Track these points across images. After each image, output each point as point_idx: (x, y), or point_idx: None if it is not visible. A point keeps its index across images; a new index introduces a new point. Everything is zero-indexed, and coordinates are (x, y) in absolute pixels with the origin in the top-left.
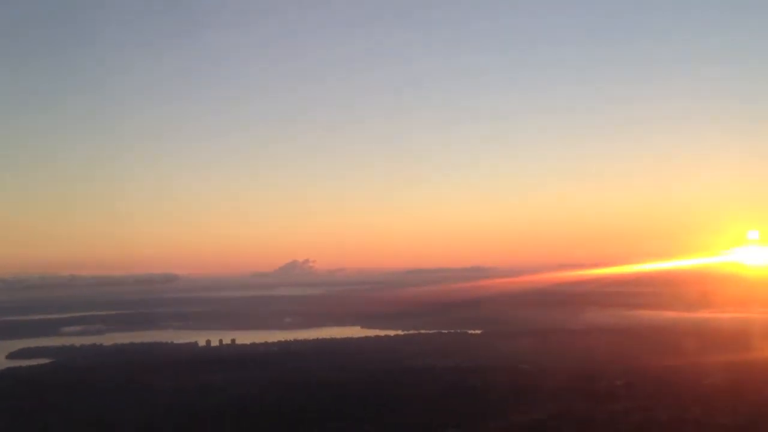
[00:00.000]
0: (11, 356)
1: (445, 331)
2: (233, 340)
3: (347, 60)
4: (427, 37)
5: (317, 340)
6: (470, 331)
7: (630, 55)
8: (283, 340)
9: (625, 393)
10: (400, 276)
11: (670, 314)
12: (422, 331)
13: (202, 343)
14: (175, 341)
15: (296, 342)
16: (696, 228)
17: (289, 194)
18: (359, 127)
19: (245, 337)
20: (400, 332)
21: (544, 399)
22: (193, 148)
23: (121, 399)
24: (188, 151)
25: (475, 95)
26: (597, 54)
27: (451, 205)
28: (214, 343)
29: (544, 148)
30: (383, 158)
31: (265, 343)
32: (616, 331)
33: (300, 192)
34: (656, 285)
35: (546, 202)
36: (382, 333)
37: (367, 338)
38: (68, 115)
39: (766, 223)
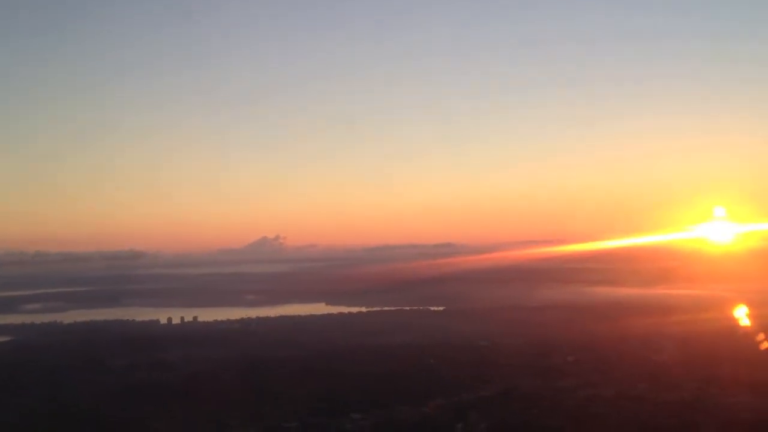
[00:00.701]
0: None
1: (408, 308)
2: (195, 318)
3: (318, 35)
4: (396, 15)
5: (279, 317)
6: (432, 308)
7: (597, 32)
8: (245, 317)
9: (575, 369)
10: (371, 252)
11: (628, 291)
12: (385, 309)
13: (163, 320)
14: (137, 319)
15: (258, 319)
16: (662, 204)
17: (260, 170)
18: (330, 104)
19: (208, 315)
20: (363, 309)
21: (496, 376)
22: (163, 123)
23: (74, 377)
24: (158, 126)
25: (442, 73)
26: (565, 31)
27: (423, 182)
28: (176, 320)
29: (514, 125)
30: (355, 135)
31: (227, 321)
32: (574, 307)
33: (271, 168)
34: (620, 261)
35: (516, 178)
36: (345, 310)
37: (329, 315)
38: (33, 91)
39: (732, 199)
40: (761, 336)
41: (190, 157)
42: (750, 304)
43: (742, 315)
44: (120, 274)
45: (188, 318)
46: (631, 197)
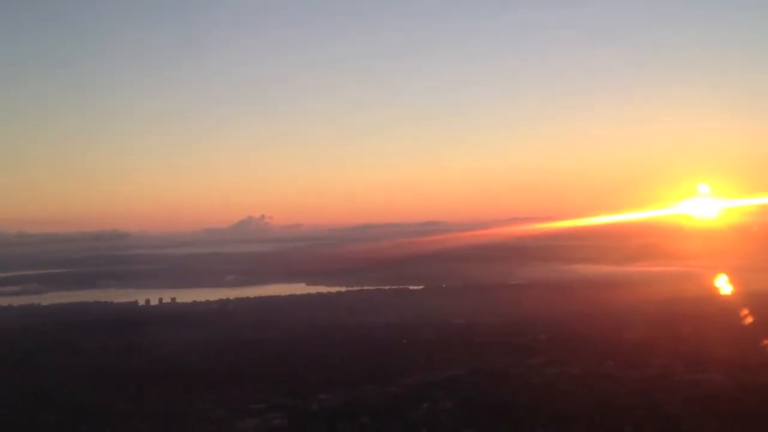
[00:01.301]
0: None
1: (387, 288)
2: (173, 299)
3: (295, 13)
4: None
5: (258, 298)
6: (412, 287)
7: (578, 14)
8: (224, 298)
9: (546, 347)
10: (356, 231)
11: (608, 268)
12: (364, 288)
13: (142, 302)
14: (115, 301)
15: (237, 300)
16: (648, 181)
17: (246, 149)
18: (315, 82)
19: (187, 296)
20: (342, 289)
21: (468, 354)
22: (147, 102)
23: (47, 361)
24: (142, 104)
25: (425, 50)
26: (547, 14)
27: (409, 160)
28: (154, 302)
29: (500, 103)
30: (341, 114)
31: (206, 302)
32: (552, 285)
33: (258, 147)
34: (603, 238)
35: (503, 156)
36: (324, 290)
37: (308, 295)
38: (14, 67)
39: (717, 175)
40: (736, 312)
41: (177, 137)
42: (727, 280)
43: (717, 291)
44: (102, 255)
45: (166, 299)
46: (617, 174)
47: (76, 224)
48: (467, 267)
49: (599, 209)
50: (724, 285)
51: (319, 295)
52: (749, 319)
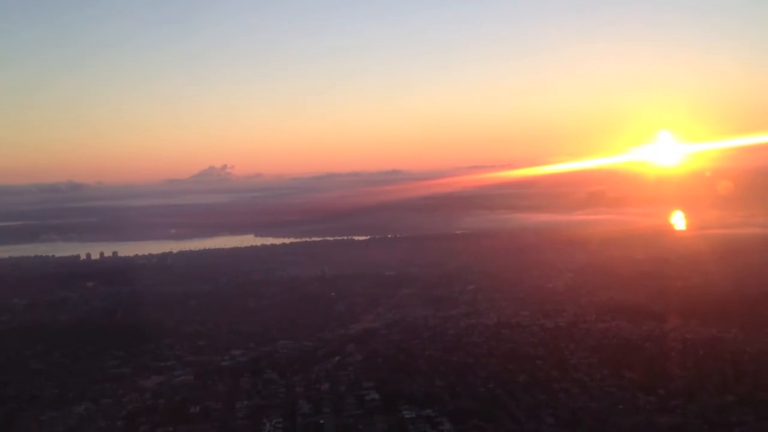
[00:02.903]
0: None
1: (331, 239)
2: (114, 253)
3: None
4: None
5: (201, 251)
6: (357, 238)
7: None
8: (167, 251)
9: (470, 298)
10: (317, 181)
11: (552, 217)
12: (311, 239)
13: (84, 256)
14: (57, 255)
15: (179, 253)
16: (611, 127)
17: (208, 99)
18: (276, 31)
19: (130, 249)
20: (287, 241)
21: (391, 307)
22: (106, 51)
23: None
24: (101, 53)
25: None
26: None
27: (371, 109)
28: (95, 255)
29: (463, 51)
30: (303, 63)
31: (148, 255)
32: (493, 235)
33: (220, 96)
34: (557, 186)
35: (464, 104)
36: (270, 242)
37: (253, 248)
38: None
39: (676, 122)
40: (661, 260)
41: (137, 86)
42: (663, 228)
43: (649, 239)
44: (54, 208)
45: (108, 253)
46: (580, 121)
47: (32, 176)
48: (416, 217)
49: (560, 156)
50: (658, 233)
51: (263, 247)
52: (671, 269)
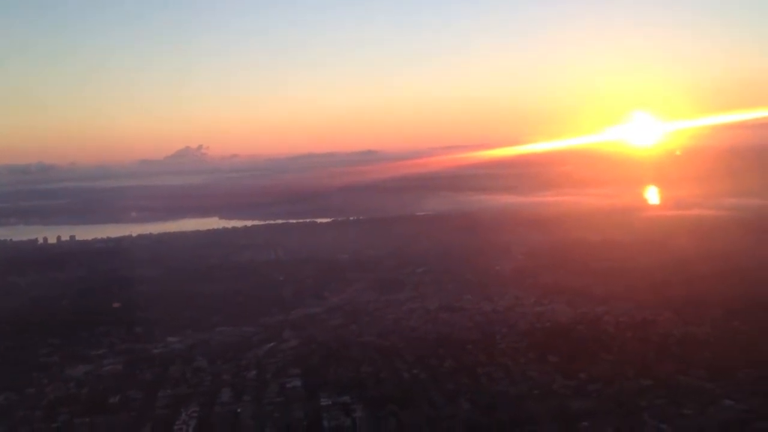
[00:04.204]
0: None
1: (294, 221)
2: (72, 237)
3: None
4: None
5: (161, 234)
6: (319, 221)
7: None
8: (126, 234)
9: (417, 281)
10: (293, 162)
11: (517, 198)
12: (275, 222)
13: (41, 240)
14: (15, 239)
15: (138, 237)
16: (586, 107)
17: (184, 78)
18: (254, 10)
19: (90, 232)
20: (250, 223)
21: (337, 290)
22: (78, 28)
23: None
24: (72, 31)
25: None
26: None
27: (348, 89)
28: (53, 240)
29: (438, 30)
30: (280, 42)
31: (106, 239)
32: (453, 217)
33: (196, 76)
34: (528, 167)
35: (443, 84)
36: (232, 225)
37: (213, 231)
38: None
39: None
40: (612, 242)
41: (112, 66)
42: (623, 210)
43: (608, 222)
44: (22, 190)
45: (66, 237)
46: (557, 101)
47: (2, 157)
48: (383, 198)
49: (537, 136)
50: (617, 214)
51: (225, 230)
52: (621, 251)
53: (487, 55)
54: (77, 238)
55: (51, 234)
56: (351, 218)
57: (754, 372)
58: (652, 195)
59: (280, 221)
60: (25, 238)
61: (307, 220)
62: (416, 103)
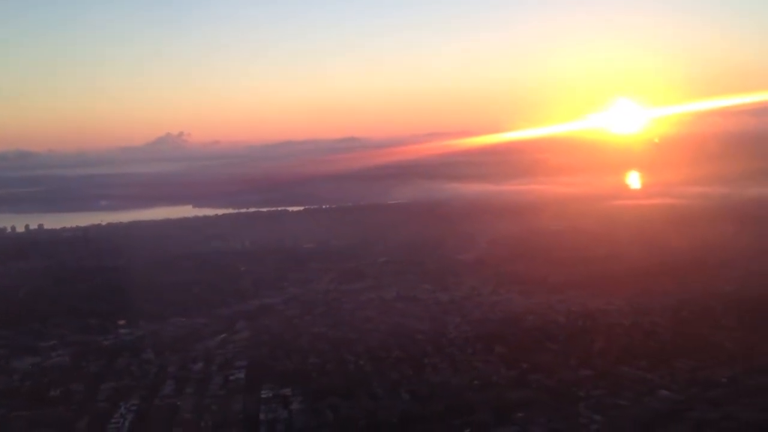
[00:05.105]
0: None
1: (265, 210)
2: (40, 225)
3: None
4: None
5: (130, 223)
6: (291, 209)
7: None
8: (95, 223)
9: (378, 271)
10: (273, 149)
11: (490, 186)
12: (247, 210)
13: (9, 229)
14: None
15: (106, 226)
16: (567, 94)
17: (165, 63)
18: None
19: (59, 221)
20: (221, 212)
21: (295, 281)
22: (57, 13)
23: None
24: (52, 17)
25: None
26: None
27: (329, 76)
28: (20, 228)
29: (418, 17)
30: (261, 28)
31: (74, 228)
32: (423, 205)
33: (177, 61)
34: (506, 154)
35: (424, 71)
36: (204, 213)
37: (184, 220)
38: None
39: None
40: (576, 232)
41: (92, 51)
42: (593, 198)
43: (575, 210)
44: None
45: (33, 226)
46: (540, 87)
47: None
48: (358, 186)
49: (519, 123)
50: (586, 203)
51: (196, 219)
52: (585, 240)
53: (470, 41)
54: (45, 226)
55: (21, 222)
56: (323, 207)
57: (692, 362)
58: (626, 183)
59: (252, 210)
60: None
61: (279, 209)
62: (399, 89)
